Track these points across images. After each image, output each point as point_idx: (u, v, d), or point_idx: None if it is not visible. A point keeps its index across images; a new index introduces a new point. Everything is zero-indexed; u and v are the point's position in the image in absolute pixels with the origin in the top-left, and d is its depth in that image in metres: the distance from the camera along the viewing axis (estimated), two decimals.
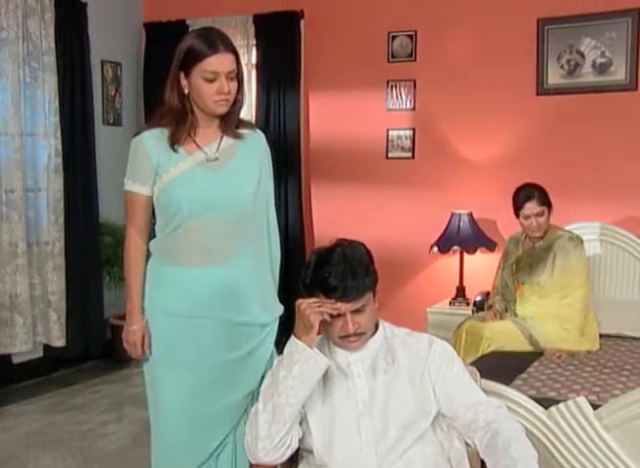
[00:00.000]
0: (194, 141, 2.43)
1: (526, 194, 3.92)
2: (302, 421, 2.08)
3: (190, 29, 5.32)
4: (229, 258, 2.44)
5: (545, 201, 3.91)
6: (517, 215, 3.95)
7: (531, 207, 3.89)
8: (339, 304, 2.01)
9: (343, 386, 2.10)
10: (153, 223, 2.51)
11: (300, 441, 2.08)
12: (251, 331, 2.51)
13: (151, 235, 2.52)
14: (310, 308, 1.99)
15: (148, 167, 2.41)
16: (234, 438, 2.53)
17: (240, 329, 2.49)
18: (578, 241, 3.91)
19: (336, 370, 2.11)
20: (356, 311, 2.03)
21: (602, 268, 4.52)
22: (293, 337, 2.04)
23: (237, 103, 2.45)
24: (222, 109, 2.40)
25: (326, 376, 2.08)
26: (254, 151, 2.53)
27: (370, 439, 2.05)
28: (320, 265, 2.04)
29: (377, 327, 2.16)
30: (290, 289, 5.04)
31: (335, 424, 2.07)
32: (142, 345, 2.47)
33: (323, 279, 2.02)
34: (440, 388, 2.10)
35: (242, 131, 2.50)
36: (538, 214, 3.88)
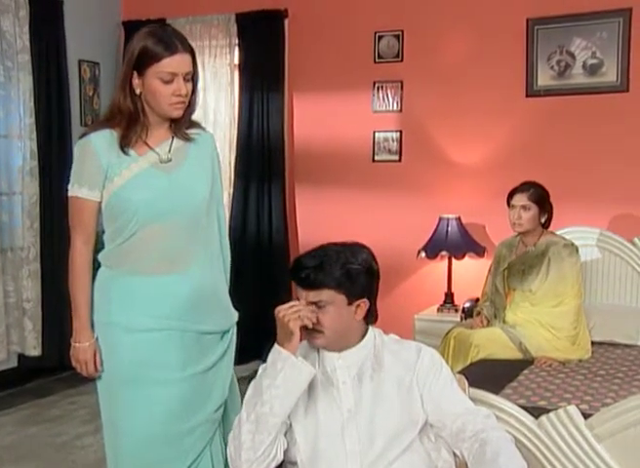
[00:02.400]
0: (145, 143, 2.40)
1: (521, 187, 3.99)
2: (287, 432, 2.08)
3: None
4: (190, 264, 2.42)
5: (538, 200, 3.94)
6: (509, 206, 4.00)
7: (519, 198, 3.95)
8: (303, 292, 2.05)
9: (328, 393, 2.10)
10: (102, 231, 2.45)
11: (285, 453, 2.07)
12: (215, 339, 2.49)
13: (98, 244, 2.46)
14: (289, 315, 2.00)
15: (98, 170, 2.36)
16: (210, 452, 2.48)
17: (205, 338, 2.46)
18: (573, 248, 3.93)
19: (321, 376, 2.11)
20: (315, 305, 2.04)
21: (595, 274, 4.55)
22: (276, 345, 2.04)
23: (191, 106, 2.43)
24: (178, 113, 2.38)
25: (311, 383, 2.08)
26: (205, 152, 2.51)
27: (355, 449, 2.04)
28: (306, 253, 2.08)
29: (366, 333, 2.17)
30: (273, 293, 5.09)
31: (319, 433, 2.07)
32: (94, 362, 2.42)
33: (296, 261, 2.07)
34: (428, 397, 2.10)
35: (191, 131, 2.48)
36: (523, 208, 3.92)
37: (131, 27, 5.82)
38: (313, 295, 2.04)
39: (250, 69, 5.58)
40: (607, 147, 4.75)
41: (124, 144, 2.36)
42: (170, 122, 2.42)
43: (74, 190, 2.40)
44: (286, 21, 5.49)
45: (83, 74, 5.69)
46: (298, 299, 2.07)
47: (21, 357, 5.15)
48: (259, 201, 5.60)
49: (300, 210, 5.71)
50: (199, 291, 2.42)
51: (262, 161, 5.57)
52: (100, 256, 2.45)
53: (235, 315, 2.59)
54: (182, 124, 2.44)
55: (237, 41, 5.61)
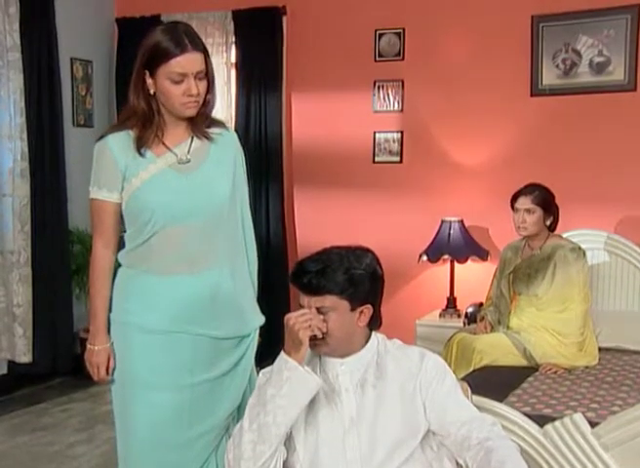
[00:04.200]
0: (163, 143, 2.41)
1: (524, 190, 3.99)
2: (287, 440, 2.07)
3: None
4: (209, 266, 2.43)
5: (542, 203, 3.95)
6: (513, 209, 4.01)
7: (522, 201, 3.95)
8: (305, 298, 2.04)
9: (330, 401, 2.10)
10: (123, 231, 2.47)
11: (283, 462, 2.06)
12: (232, 344, 2.50)
13: (120, 244, 2.48)
14: (299, 324, 1.99)
15: (116, 172, 2.37)
16: (216, 459, 2.50)
17: (221, 343, 2.47)
18: (580, 252, 3.93)
19: (323, 383, 2.10)
20: (317, 310, 2.04)
21: (602, 278, 4.54)
22: (283, 354, 2.03)
23: (208, 104, 2.43)
24: (191, 112, 2.38)
25: None
26: (226, 152, 2.51)
27: (356, 458, 2.04)
28: (309, 256, 2.08)
29: (369, 339, 2.17)
30: (271, 299, 5.08)
31: (319, 441, 2.07)
32: (107, 367, 2.44)
33: (297, 265, 2.06)
34: (431, 404, 2.10)
35: (213, 130, 2.48)
36: (527, 211, 3.93)
37: (124, 24, 5.84)
38: (315, 301, 2.03)
39: (247, 68, 5.58)
40: (614, 148, 4.75)
41: (140, 146, 2.37)
42: (187, 121, 2.43)
43: (94, 192, 2.42)
44: (284, 19, 5.49)
45: (75, 73, 5.68)
46: (301, 306, 2.07)
47: (11, 364, 5.13)
48: (256, 203, 5.57)
49: (299, 212, 5.71)
50: (216, 293, 2.44)
51: (260, 162, 5.57)
52: (120, 256, 2.48)
53: (258, 319, 2.59)
54: (200, 123, 2.44)
55: (234, 39, 5.61)
